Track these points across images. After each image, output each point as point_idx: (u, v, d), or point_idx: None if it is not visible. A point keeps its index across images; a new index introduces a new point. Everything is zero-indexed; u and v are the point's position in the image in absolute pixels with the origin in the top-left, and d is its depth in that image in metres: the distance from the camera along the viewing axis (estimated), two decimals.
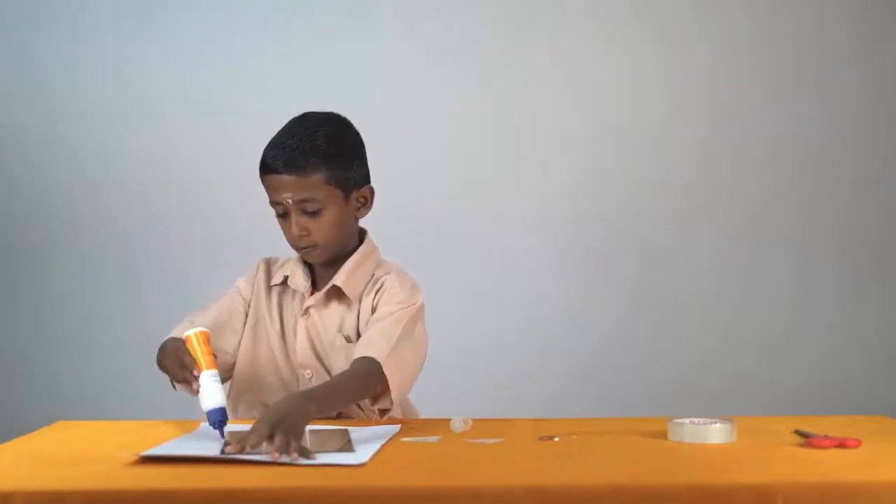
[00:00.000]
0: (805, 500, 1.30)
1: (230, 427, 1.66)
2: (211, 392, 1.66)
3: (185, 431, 1.71)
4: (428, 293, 1.99)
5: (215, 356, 1.76)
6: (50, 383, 3.27)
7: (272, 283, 2.02)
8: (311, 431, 1.60)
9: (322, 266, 1.98)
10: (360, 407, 1.91)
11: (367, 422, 1.84)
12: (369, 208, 1.98)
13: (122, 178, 3.30)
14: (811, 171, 3.30)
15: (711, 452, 1.54)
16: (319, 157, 1.86)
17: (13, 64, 3.32)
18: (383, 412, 1.86)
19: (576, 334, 3.28)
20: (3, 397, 3.26)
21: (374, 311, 1.93)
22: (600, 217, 3.29)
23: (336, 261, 1.97)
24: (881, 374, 3.29)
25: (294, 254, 2.00)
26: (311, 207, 1.87)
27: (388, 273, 1.98)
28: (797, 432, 1.63)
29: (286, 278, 2.00)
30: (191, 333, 1.73)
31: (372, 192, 1.97)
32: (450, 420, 1.75)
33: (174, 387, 1.82)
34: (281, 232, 1.94)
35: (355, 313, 1.96)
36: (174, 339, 1.81)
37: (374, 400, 1.85)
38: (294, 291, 2.00)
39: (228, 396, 1.97)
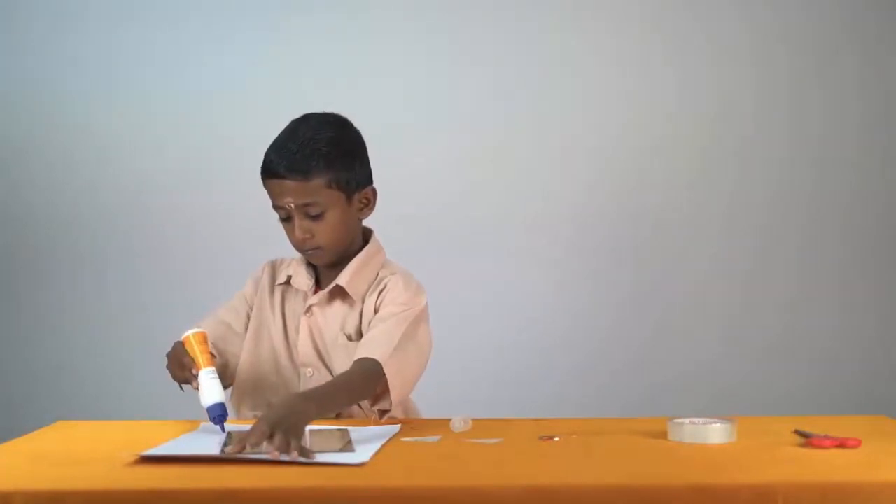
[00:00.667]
0: (805, 500, 1.30)
1: (231, 427, 1.66)
2: (209, 388, 1.69)
3: (185, 431, 1.71)
4: (429, 293, 1.99)
5: (214, 355, 1.77)
6: (50, 383, 3.27)
7: (277, 283, 2.03)
8: (312, 431, 1.60)
9: (327, 266, 1.98)
10: (360, 407, 1.91)
11: (367, 422, 1.84)
12: (372, 209, 1.98)
13: (122, 179, 3.30)
14: (811, 171, 3.31)
15: (711, 452, 1.53)
16: (321, 161, 1.86)
17: (13, 65, 3.32)
18: (383, 413, 1.86)
19: (576, 334, 3.28)
20: (3, 397, 3.26)
21: (376, 311, 1.94)
22: (601, 217, 3.29)
23: (341, 261, 1.97)
24: (881, 374, 3.29)
25: (299, 254, 2.01)
26: (313, 211, 1.88)
27: (392, 274, 1.98)
28: (797, 432, 1.63)
29: (289, 278, 2.01)
30: (188, 334, 1.76)
31: (374, 192, 1.98)
32: (450, 420, 1.75)
33: (181, 388, 1.83)
34: (283, 233, 1.94)
35: (358, 313, 1.96)
36: (176, 344, 1.82)
37: (375, 401, 1.85)
38: (297, 290, 2.00)
39: (231, 395, 1.98)
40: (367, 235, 2.02)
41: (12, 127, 3.33)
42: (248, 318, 2.03)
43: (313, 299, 1.97)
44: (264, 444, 1.48)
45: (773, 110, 3.31)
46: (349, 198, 1.92)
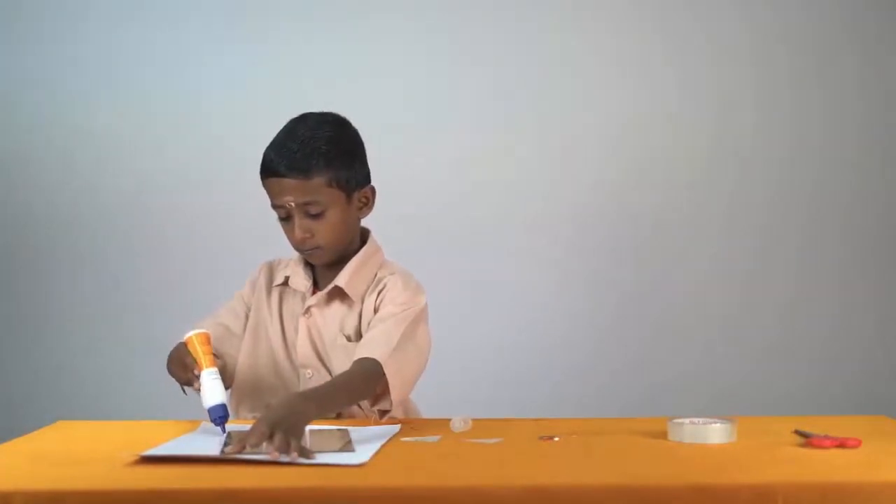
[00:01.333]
0: (805, 500, 1.30)
1: (231, 427, 1.66)
2: (211, 389, 1.68)
3: (185, 431, 1.71)
4: (428, 293, 1.99)
5: (216, 356, 1.77)
6: (50, 383, 3.28)
7: (274, 284, 2.02)
8: (312, 431, 1.60)
9: (324, 266, 1.98)
10: (360, 407, 1.91)
11: (367, 422, 1.84)
12: (371, 208, 1.98)
13: (122, 179, 3.30)
14: (811, 171, 3.31)
15: (711, 452, 1.53)
16: (321, 160, 1.86)
17: (14, 65, 3.32)
18: (383, 413, 1.86)
19: (576, 334, 3.28)
20: (3, 397, 3.26)
21: (376, 311, 1.93)
22: (601, 217, 3.29)
23: (339, 261, 1.97)
24: (881, 374, 3.29)
25: (296, 254, 2.00)
26: (314, 210, 1.87)
27: (391, 274, 1.98)
28: (797, 432, 1.63)
29: (287, 278, 2.00)
30: (190, 335, 1.75)
31: (373, 191, 1.98)
32: (450, 420, 1.75)
33: (184, 391, 1.83)
34: (282, 233, 1.94)
35: (357, 313, 1.96)
36: (179, 345, 1.82)
37: (375, 401, 1.85)
38: (295, 291, 2.00)
39: (230, 397, 1.98)
40: (364, 235, 2.02)
41: (12, 127, 3.33)
42: (247, 319, 2.02)
43: (312, 300, 1.97)
44: (264, 444, 1.48)
45: (773, 110, 3.31)
46: (349, 197, 1.92)
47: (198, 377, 1.71)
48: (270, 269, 2.06)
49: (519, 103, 3.30)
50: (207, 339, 1.75)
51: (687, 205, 3.31)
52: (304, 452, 1.47)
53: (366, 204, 1.97)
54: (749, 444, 1.58)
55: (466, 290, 3.23)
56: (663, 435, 1.63)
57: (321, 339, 1.96)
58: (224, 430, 1.64)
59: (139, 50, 3.29)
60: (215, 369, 1.71)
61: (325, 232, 1.90)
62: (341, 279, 1.95)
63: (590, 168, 3.30)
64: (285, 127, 1.93)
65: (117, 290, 3.29)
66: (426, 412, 2.06)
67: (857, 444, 1.54)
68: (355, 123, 1.98)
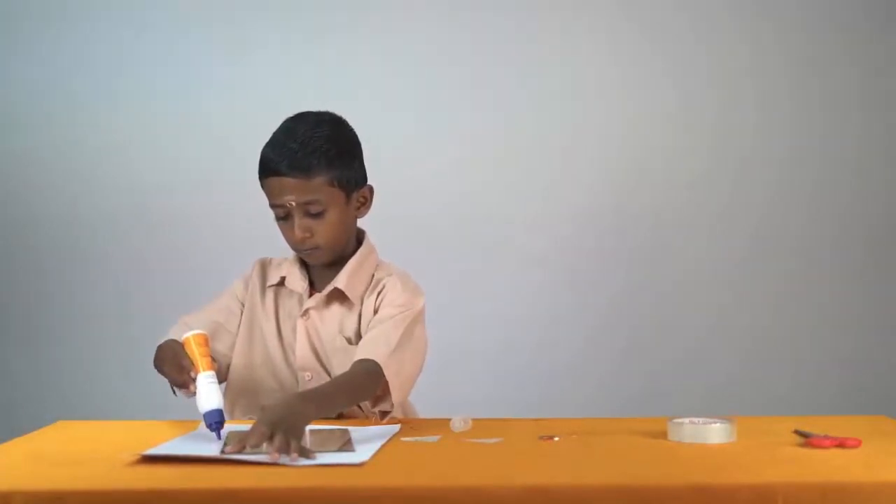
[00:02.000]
0: (805, 500, 1.30)
1: (230, 427, 1.66)
2: (208, 394, 1.66)
3: (185, 431, 1.71)
4: (428, 293, 1.99)
5: (213, 359, 1.76)
6: (50, 383, 3.27)
7: (269, 284, 2.01)
8: (312, 431, 1.60)
9: (322, 266, 1.98)
10: (360, 408, 1.91)
11: (367, 421, 1.84)
12: (369, 208, 1.98)
13: (122, 179, 3.30)
14: (811, 171, 3.31)
15: (711, 452, 1.54)
16: (322, 159, 1.85)
17: (15, 67, 3.32)
18: (384, 414, 1.86)
19: (577, 334, 3.28)
20: (3, 397, 3.26)
21: (375, 312, 1.93)
22: (602, 217, 3.29)
23: (335, 262, 1.96)
24: (881, 374, 3.29)
25: (291, 253, 2.00)
26: (314, 209, 1.87)
27: (389, 275, 1.97)
28: (797, 432, 1.63)
29: (283, 279, 1.99)
30: (189, 336, 1.73)
31: (371, 191, 1.97)
32: (450, 420, 1.75)
33: (174, 392, 1.82)
34: (279, 232, 1.94)
35: (356, 315, 1.95)
36: (171, 342, 1.81)
37: (375, 402, 1.85)
38: (291, 292, 1.99)
39: (224, 398, 1.97)
40: (360, 236, 2.02)
41: (14, 129, 3.33)
42: (241, 316, 2.01)
43: (310, 302, 1.96)
44: (264, 444, 1.48)
45: (773, 110, 3.30)
46: (348, 196, 1.91)
47: (194, 380, 1.69)
48: (263, 268, 2.04)
49: (518, 104, 3.30)
50: (205, 341, 1.73)
51: (687, 205, 3.30)
52: (305, 453, 1.47)
53: (364, 203, 1.97)
54: (749, 444, 1.58)
55: (467, 290, 3.23)
56: (663, 435, 1.63)
57: (320, 341, 1.95)
58: (220, 437, 1.62)
59: (141, 52, 3.28)
60: (213, 373, 1.69)
61: (324, 231, 1.89)
62: (340, 281, 1.94)
63: (589, 168, 3.30)
64: (282, 126, 1.92)
65: (118, 290, 3.29)
66: (426, 412, 2.06)
67: (856, 444, 1.54)
68: (353, 124, 1.98)
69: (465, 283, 3.23)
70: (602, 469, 1.46)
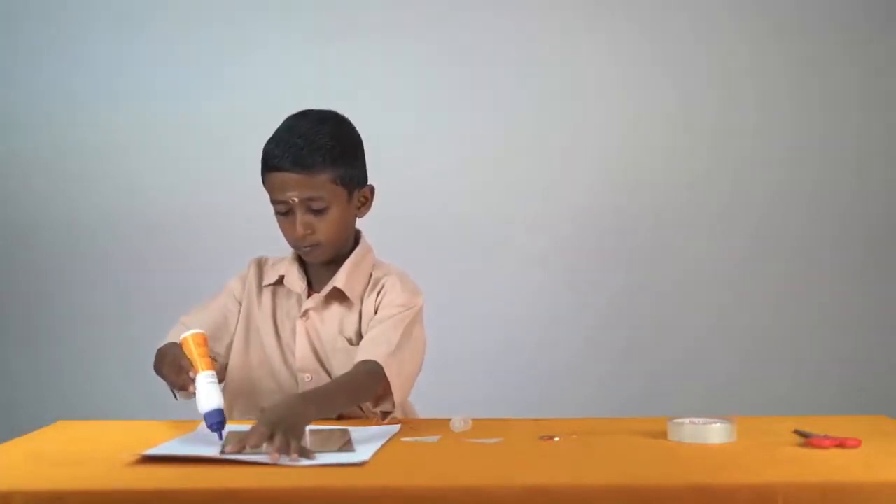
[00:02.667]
0: (805, 500, 1.30)
1: (230, 427, 1.65)
2: (208, 394, 1.64)
3: (185, 431, 1.71)
4: (428, 293, 1.99)
5: (213, 359, 1.75)
6: (50, 383, 3.27)
7: (265, 283, 2.00)
8: (311, 431, 1.60)
9: (319, 266, 1.97)
10: (361, 409, 1.90)
11: (367, 421, 1.84)
12: (369, 207, 1.98)
13: (123, 180, 3.30)
14: (811, 171, 3.31)
15: (711, 452, 1.54)
16: (326, 156, 1.85)
17: (18, 69, 3.32)
18: (385, 414, 1.86)
19: (577, 334, 3.28)
20: (3, 397, 3.26)
21: (376, 311, 1.93)
22: (604, 217, 3.29)
23: (334, 261, 1.96)
24: (881, 374, 3.29)
25: (287, 253, 1.99)
26: (316, 206, 1.86)
27: (388, 274, 1.97)
28: (797, 432, 1.63)
29: (281, 278, 1.98)
30: (187, 336, 1.72)
31: (372, 191, 1.97)
32: (450, 420, 1.75)
33: (175, 395, 1.82)
34: (279, 232, 1.93)
35: (356, 315, 1.95)
36: (170, 346, 1.80)
37: (377, 402, 1.85)
38: (289, 292, 1.98)
39: (225, 399, 1.96)
40: (356, 236, 2.01)
41: (14, 129, 3.32)
42: (238, 315, 2.00)
43: (309, 303, 1.95)
44: (264, 445, 1.48)
45: (773, 110, 3.31)
46: (350, 195, 1.91)
47: (193, 381, 1.67)
48: (260, 267, 2.03)
49: (518, 104, 3.29)
50: (204, 341, 1.71)
51: (687, 205, 3.30)
52: (305, 453, 1.47)
53: (364, 203, 1.96)
54: (749, 444, 1.58)
55: (467, 290, 3.23)
56: (663, 435, 1.63)
57: (320, 342, 1.95)
58: (221, 437, 1.61)
59: (141, 52, 3.28)
60: (212, 372, 1.67)
61: (325, 229, 1.89)
62: (339, 280, 1.94)
63: (589, 168, 3.30)
64: (286, 123, 1.92)
65: (118, 290, 3.29)
66: (426, 412, 2.06)
67: (856, 444, 1.54)
68: (355, 124, 1.98)
69: (464, 283, 3.23)
70: (602, 469, 1.46)
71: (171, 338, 1.88)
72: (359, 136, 1.96)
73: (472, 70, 3.29)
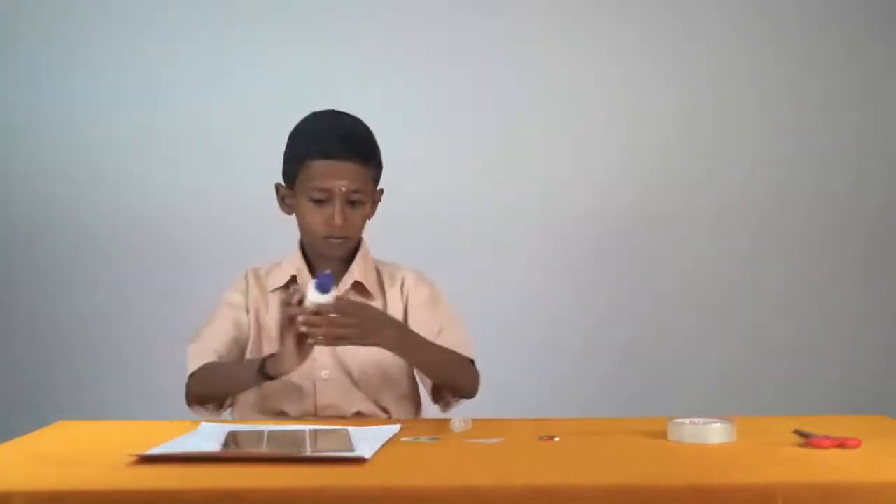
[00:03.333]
0: (805, 500, 1.30)
1: (230, 427, 1.66)
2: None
3: (185, 431, 1.71)
4: None
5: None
6: (50, 383, 3.27)
7: (272, 288, 1.99)
8: (311, 431, 1.60)
9: (322, 263, 1.96)
10: (441, 397, 1.96)
11: (367, 421, 1.84)
12: (374, 210, 2.00)
13: (123, 180, 3.30)
14: (811, 171, 3.31)
15: (711, 452, 1.53)
16: (371, 153, 1.90)
17: (17, 66, 3.32)
18: (448, 405, 1.94)
19: (577, 334, 3.28)
20: (4, 397, 3.26)
21: (406, 309, 1.97)
22: (605, 218, 3.29)
23: (344, 258, 1.98)
24: (881, 374, 3.29)
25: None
26: (357, 198, 1.89)
27: (396, 268, 2.02)
28: (797, 432, 1.63)
29: (293, 278, 1.98)
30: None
31: (381, 194, 2.00)
32: (450, 420, 1.75)
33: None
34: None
35: (378, 305, 1.96)
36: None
37: (456, 392, 1.93)
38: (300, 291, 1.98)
39: (235, 404, 1.97)
40: None
41: (15, 133, 3.33)
42: (245, 324, 1.99)
43: None
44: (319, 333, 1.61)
45: (774, 110, 3.31)
46: (374, 194, 1.95)
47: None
48: (257, 275, 2.02)
49: (518, 104, 3.30)
50: None
51: (687, 205, 3.30)
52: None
53: (375, 203, 1.99)
54: (749, 444, 1.58)
55: (467, 290, 3.21)
56: (663, 435, 1.63)
57: None
58: (329, 283, 1.66)
59: (141, 52, 3.28)
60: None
61: (357, 223, 1.92)
62: (357, 274, 1.96)
63: (589, 169, 3.30)
64: (322, 118, 1.94)
65: (118, 291, 3.29)
66: (427, 412, 2.07)
67: (857, 444, 1.54)
68: None
69: (464, 284, 3.21)
70: (602, 469, 1.46)
71: (192, 367, 1.89)
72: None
73: (471, 70, 3.29)
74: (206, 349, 1.91)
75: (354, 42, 3.28)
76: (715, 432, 1.59)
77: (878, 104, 3.32)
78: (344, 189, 1.86)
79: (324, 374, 1.94)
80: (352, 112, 2.00)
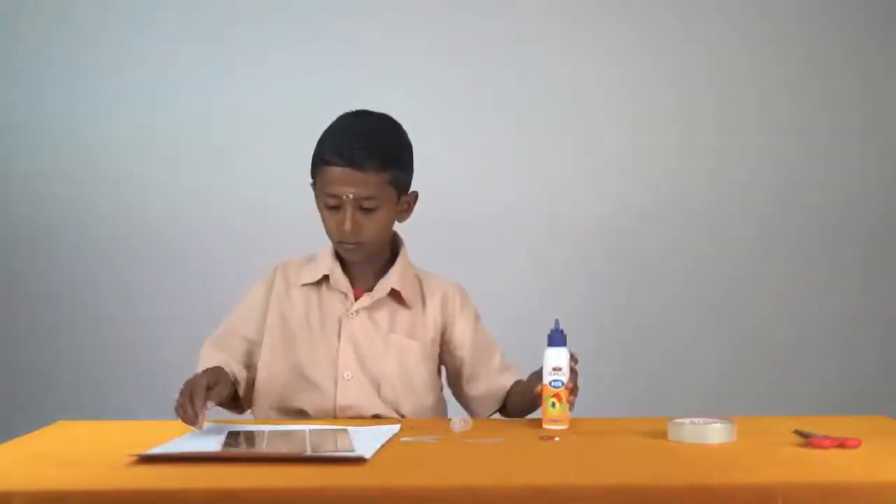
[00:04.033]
0: (805, 500, 1.30)
1: (230, 426, 1.65)
2: None
3: (185, 431, 1.71)
4: None
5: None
6: (50, 383, 3.27)
7: (303, 283, 1.99)
8: (311, 431, 1.60)
9: (358, 265, 1.97)
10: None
11: (367, 421, 1.84)
12: (410, 213, 1.99)
13: (123, 180, 3.30)
14: (811, 171, 3.31)
15: (711, 452, 1.54)
16: (386, 158, 1.87)
17: (17, 66, 3.32)
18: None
19: (576, 334, 3.26)
20: (3, 397, 3.26)
21: (444, 324, 2.02)
22: (602, 218, 3.29)
23: (369, 260, 1.97)
24: (881, 374, 3.29)
25: (309, 252, 1.99)
26: (369, 205, 1.88)
27: (439, 282, 2.06)
28: (797, 432, 1.63)
29: (324, 276, 1.98)
30: None
31: (416, 198, 1.99)
32: (450, 420, 1.75)
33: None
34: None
35: (409, 315, 1.98)
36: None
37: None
38: (331, 289, 1.98)
39: (255, 400, 1.97)
40: (393, 238, 2.03)
41: (15, 133, 3.33)
42: (263, 322, 1.99)
43: (364, 301, 1.96)
44: (264, 440, 1.53)
45: (774, 110, 3.31)
46: (398, 199, 1.93)
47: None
48: (285, 270, 2.02)
49: (518, 105, 3.30)
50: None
51: (688, 205, 3.31)
52: None
53: (406, 209, 1.98)
54: (749, 444, 1.58)
55: (469, 289, 3.23)
56: (663, 435, 1.63)
57: (367, 340, 1.95)
58: None
59: (143, 54, 3.29)
60: None
61: (372, 229, 1.90)
62: (394, 282, 1.96)
63: (590, 170, 3.30)
64: (344, 122, 1.93)
65: (118, 291, 3.29)
66: (427, 412, 2.06)
67: (857, 444, 1.54)
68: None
69: (465, 284, 3.22)
70: (602, 469, 1.46)
71: (202, 365, 1.89)
72: (410, 142, 1.98)
73: (471, 70, 3.29)
74: (216, 351, 1.92)
75: (354, 42, 3.29)
76: (715, 432, 1.59)
77: (879, 104, 3.32)
78: (352, 196, 1.86)
79: (346, 374, 1.93)
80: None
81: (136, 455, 1.47)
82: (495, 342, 2.11)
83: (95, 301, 3.29)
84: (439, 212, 3.24)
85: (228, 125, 3.25)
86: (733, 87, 3.31)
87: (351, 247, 1.91)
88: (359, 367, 1.94)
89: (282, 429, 1.70)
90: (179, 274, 3.24)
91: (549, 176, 3.31)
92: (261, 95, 3.23)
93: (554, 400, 1.75)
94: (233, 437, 1.60)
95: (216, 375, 1.76)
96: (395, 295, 1.97)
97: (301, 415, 1.93)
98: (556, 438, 1.65)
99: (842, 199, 3.31)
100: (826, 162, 3.31)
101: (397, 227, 2.03)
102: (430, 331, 2.01)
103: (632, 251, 3.31)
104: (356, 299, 1.97)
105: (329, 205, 1.89)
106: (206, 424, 1.69)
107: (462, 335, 2.04)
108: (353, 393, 1.93)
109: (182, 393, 1.67)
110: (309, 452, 1.48)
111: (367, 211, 1.88)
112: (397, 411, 1.94)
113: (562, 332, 1.79)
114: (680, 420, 1.62)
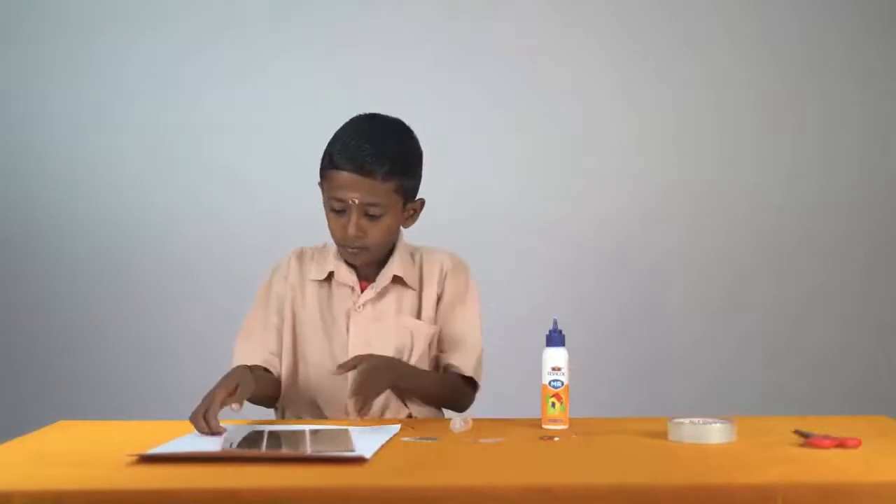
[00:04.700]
0: (805, 500, 1.30)
1: (229, 426, 1.65)
2: None
3: (185, 431, 1.71)
4: None
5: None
6: (50, 383, 3.27)
7: (313, 278, 2.00)
8: (311, 431, 1.60)
9: (362, 265, 1.98)
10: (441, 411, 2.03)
11: (366, 421, 1.84)
12: (415, 220, 2.00)
13: (124, 180, 3.30)
14: (811, 172, 3.31)
15: (711, 452, 1.53)
16: (394, 166, 1.87)
17: (17, 66, 3.32)
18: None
19: (576, 334, 3.26)
20: (4, 397, 3.26)
21: (440, 294, 2.00)
22: (606, 219, 3.30)
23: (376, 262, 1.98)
24: (881, 374, 3.29)
25: (321, 241, 2.00)
26: (374, 211, 1.88)
27: (434, 253, 2.04)
28: (797, 432, 1.63)
29: (331, 274, 1.99)
30: None
31: (422, 205, 1.99)
32: (450, 420, 1.75)
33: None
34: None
35: (414, 296, 1.99)
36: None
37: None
38: (339, 284, 1.99)
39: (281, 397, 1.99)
40: None
41: (15, 133, 3.33)
42: (286, 311, 2.00)
43: (369, 293, 1.97)
44: (264, 441, 1.52)
45: (774, 111, 3.31)
46: (404, 205, 1.94)
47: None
48: (301, 260, 2.03)
49: (518, 105, 3.30)
50: None
51: (688, 207, 3.31)
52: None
53: (412, 216, 1.99)
54: (749, 444, 1.57)
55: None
56: (663, 435, 1.63)
57: (378, 331, 1.96)
58: None
59: (143, 54, 3.29)
60: None
61: (376, 235, 1.91)
62: (395, 269, 1.97)
63: (590, 172, 3.31)
64: (355, 125, 1.93)
65: (118, 291, 3.29)
66: (427, 412, 2.06)
67: (857, 444, 1.54)
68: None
69: None
70: (602, 469, 1.46)
71: (238, 358, 1.92)
72: (421, 149, 1.98)
73: (471, 70, 3.29)
74: (253, 350, 1.94)
75: (354, 42, 3.28)
76: (715, 432, 1.59)
77: (879, 104, 3.32)
78: (357, 202, 1.87)
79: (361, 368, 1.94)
80: (351, 113, 1.99)
81: (137, 455, 1.47)
82: (469, 328, 2.07)
83: (95, 301, 3.29)
84: (439, 212, 3.25)
85: (228, 125, 3.25)
86: (733, 87, 3.32)
87: (354, 251, 1.93)
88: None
89: (282, 429, 1.70)
90: (180, 274, 3.24)
91: (549, 176, 3.31)
92: (261, 96, 3.23)
93: (554, 400, 1.75)
94: (233, 437, 1.60)
95: (238, 378, 1.74)
96: (397, 279, 1.98)
97: (315, 409, 1.95)
98: (556, 438, 1.65)
99: (842, 198, 3.31)
100: (826, 162, 3.31)
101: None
102: (434, 306, 2.02)
103: (631, 251, 3.31)
104: (363, 291, 1.98)
105: (335, 208, 1.90)
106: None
107: (443, 314, 2.04)
108: None
109: (198, 409, 1.67)
110: (309, 452, 1.48)
111: (372, 217, 1.89)
112: (405, 404, 1.96)
113: (560, 332, 1.78)
114: (680, 420, 1.62)
